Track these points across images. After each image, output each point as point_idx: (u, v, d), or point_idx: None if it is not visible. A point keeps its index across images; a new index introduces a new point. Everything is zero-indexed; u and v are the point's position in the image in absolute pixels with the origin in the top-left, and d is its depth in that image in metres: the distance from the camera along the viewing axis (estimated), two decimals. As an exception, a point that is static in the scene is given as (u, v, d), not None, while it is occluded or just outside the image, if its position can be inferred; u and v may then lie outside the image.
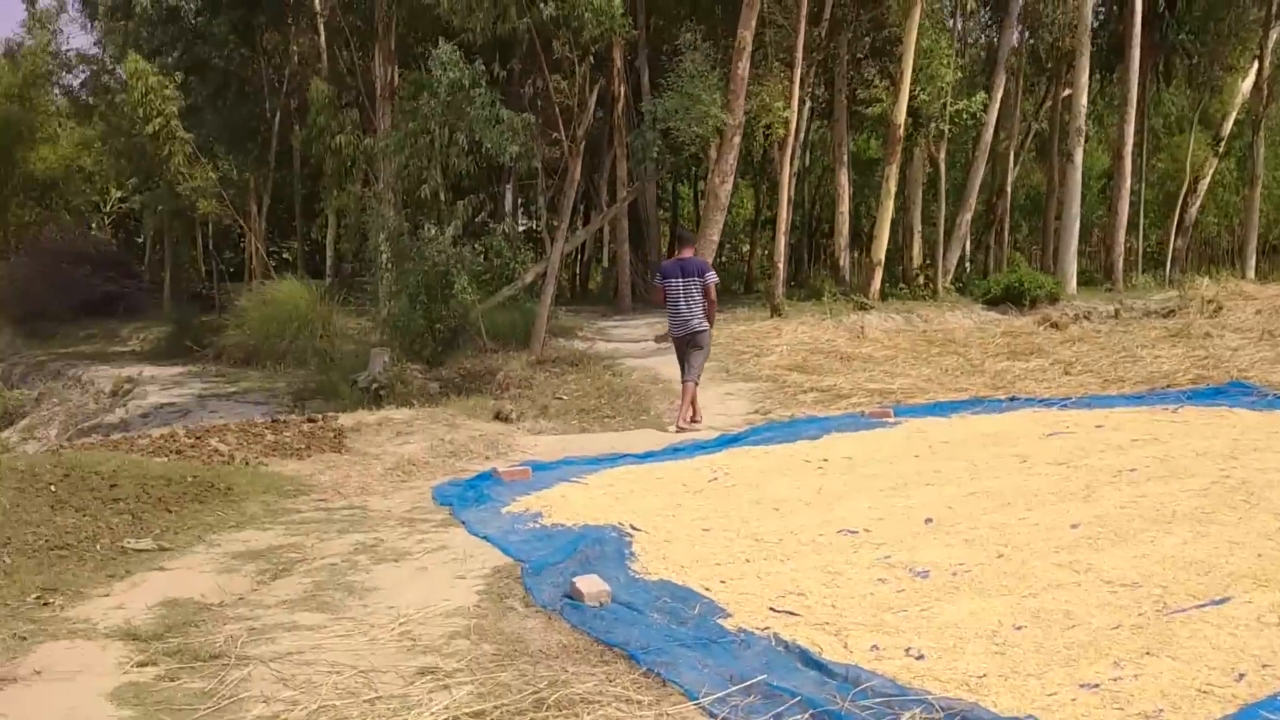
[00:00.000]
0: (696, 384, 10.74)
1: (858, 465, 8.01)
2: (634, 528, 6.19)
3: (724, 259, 34.36)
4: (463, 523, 6.73)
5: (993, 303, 20.75)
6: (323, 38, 24.98)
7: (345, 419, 10.48)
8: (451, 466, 8.80)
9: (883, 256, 19.81)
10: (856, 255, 28.90)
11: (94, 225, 35.35)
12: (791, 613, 4.64)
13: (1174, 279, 25.64)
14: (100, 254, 29.68)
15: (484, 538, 6.29)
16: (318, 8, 24.81)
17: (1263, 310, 19.15)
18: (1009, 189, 25.43)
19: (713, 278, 10.70)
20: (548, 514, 6.79)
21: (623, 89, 22.08)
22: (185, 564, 5.91)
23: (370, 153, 19.75)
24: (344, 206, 20.03)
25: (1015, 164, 24.79)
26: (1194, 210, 28.95)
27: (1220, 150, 28.75)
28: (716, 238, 16.65)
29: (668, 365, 14.69)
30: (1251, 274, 27.54)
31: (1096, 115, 30.28)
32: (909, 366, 13.89)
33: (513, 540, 6.17)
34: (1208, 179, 28.89)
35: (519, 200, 27.81)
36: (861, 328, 16.86)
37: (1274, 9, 27.13)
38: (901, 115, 18.85)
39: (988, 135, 22.56)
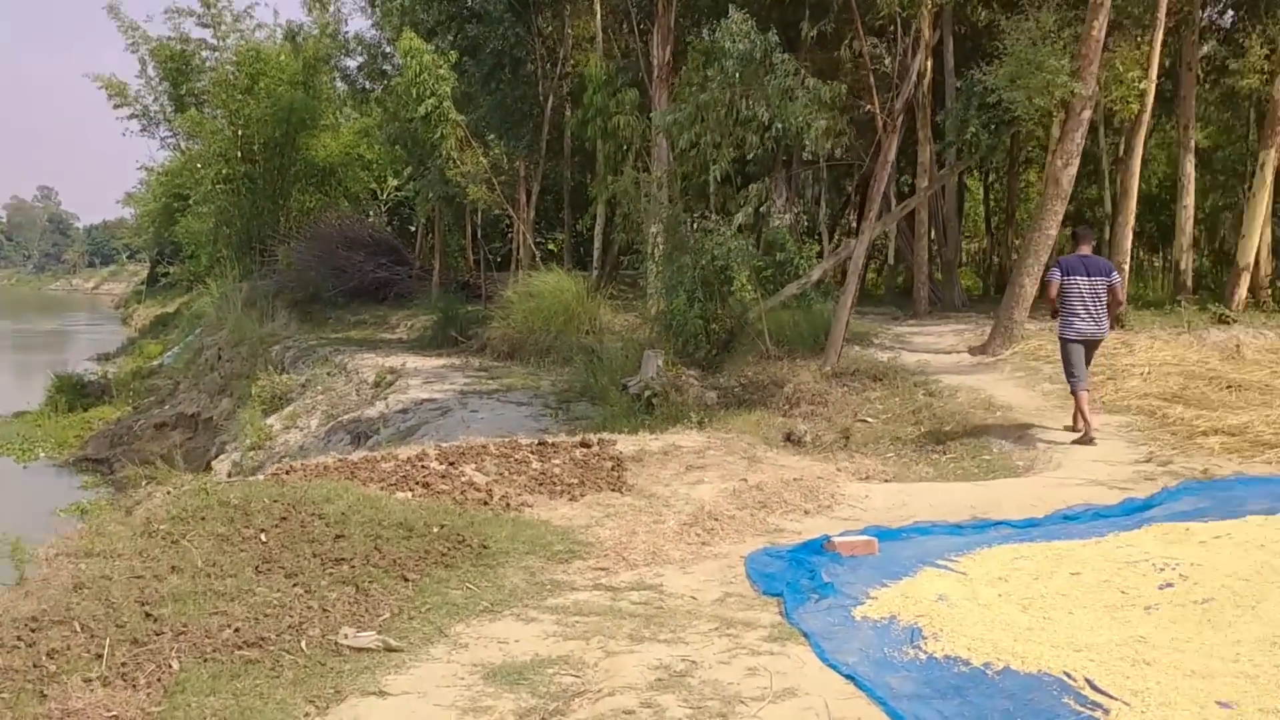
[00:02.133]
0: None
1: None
2: (1095, 688, 3.89)
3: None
4: (806, 636, 4.61)
5: (1384, 320, 16.89)
6: (598, 17, 23.56)
7: (624, 443, 8.60)
8: (763, 523, 6.72)
9: (1251, 260, 16.35)
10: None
11: (370, 212, 35.65)
12: None
13: None
14: (374, 240, 29.55)
15: (849, 677, 4.14)
16: (594, -16, 23.39)
17: None
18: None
19: (1118, 278, 10.03)
20: (931, 631, 4.58)
21: (928, 64, 19.43)
22: (416, 684, 4.08)
23: (648, 135, 18.09)
24: (619, 192, 18.38)
25: None
26: None
27: None
28: (1055, 231, 13.85)
29: (997, 384, 12.15)
30: None
31: None
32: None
33: (897, 689, 4.00)
34: None
35: (795, 188, 25.56)
36: (1237, 346, 13.66)
37: None
38: (1289, 88, 15.37)
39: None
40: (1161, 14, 14.50)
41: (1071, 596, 4.99)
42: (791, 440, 11.81)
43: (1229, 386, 11.29)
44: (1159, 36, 14.64)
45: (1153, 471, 8.08)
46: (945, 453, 9.64)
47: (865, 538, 6.02)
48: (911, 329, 17.25)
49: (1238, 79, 17.07)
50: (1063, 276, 9.68)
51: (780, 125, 13.83)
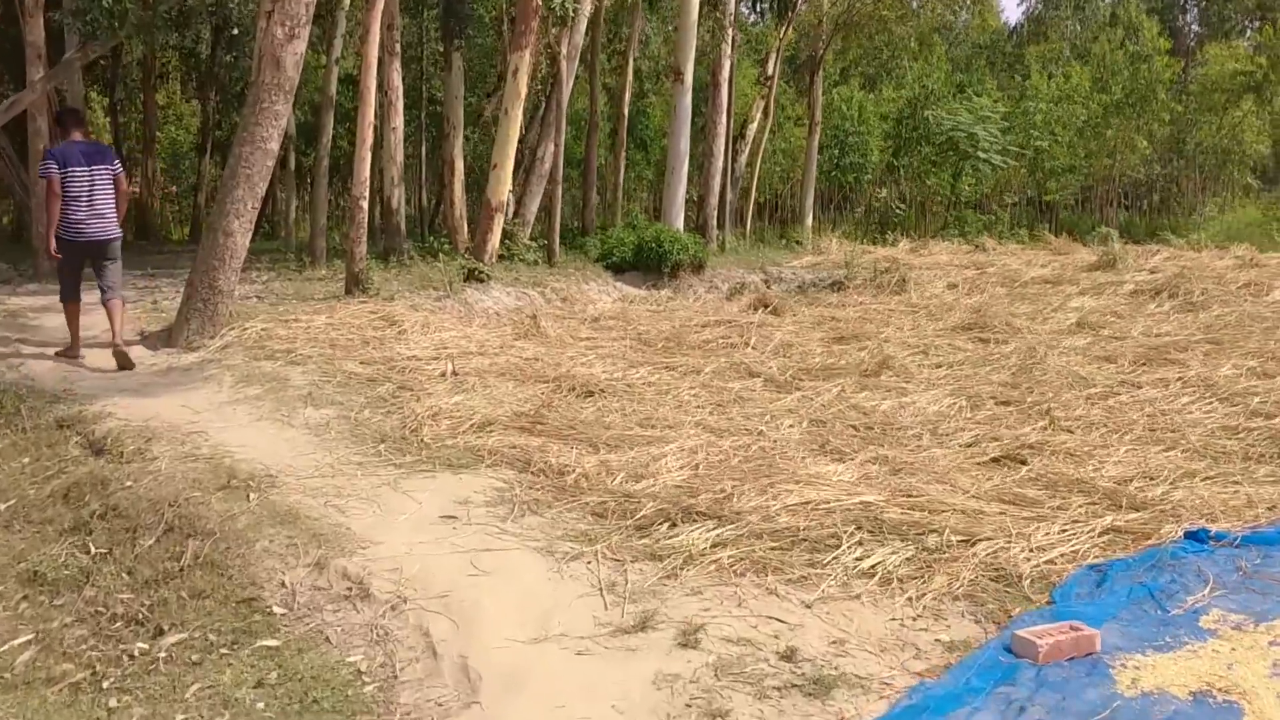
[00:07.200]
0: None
1: None
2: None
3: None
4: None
5: (617, 269, 14.92)
6: None
7: None
8: None
9: (505, 196, 12.84)
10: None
11: None
12: None
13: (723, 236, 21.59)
14: None
15: None
16: None
17: (956, 284, 15.12)
18: (626, 112, 19.28)
19: (120, 166, 8.38)
20: None
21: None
22: None
23: None
24: None
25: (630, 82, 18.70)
26: (744, 158, 24.94)
27: (766, 91, 25.01)
28: (277, 144, 8.41)
29: (219, 416, 6.74)
30: (809, 231, 24.53)
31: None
32: (708, 409, 7.26)
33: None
34: (756, 123, 24.96)
35: None
36: (534, 318, 9.91)
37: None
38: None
39: (579, 35, 16.24)
40: None
41: None
42: None
43: (589, 393, 7.31)
44: None
45: (678, 690, 3.54)
46: (165, 632, 4.10)
47: None
48: (37, 300, 10.80)
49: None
50: (60, 169, 8.02)
51: None
